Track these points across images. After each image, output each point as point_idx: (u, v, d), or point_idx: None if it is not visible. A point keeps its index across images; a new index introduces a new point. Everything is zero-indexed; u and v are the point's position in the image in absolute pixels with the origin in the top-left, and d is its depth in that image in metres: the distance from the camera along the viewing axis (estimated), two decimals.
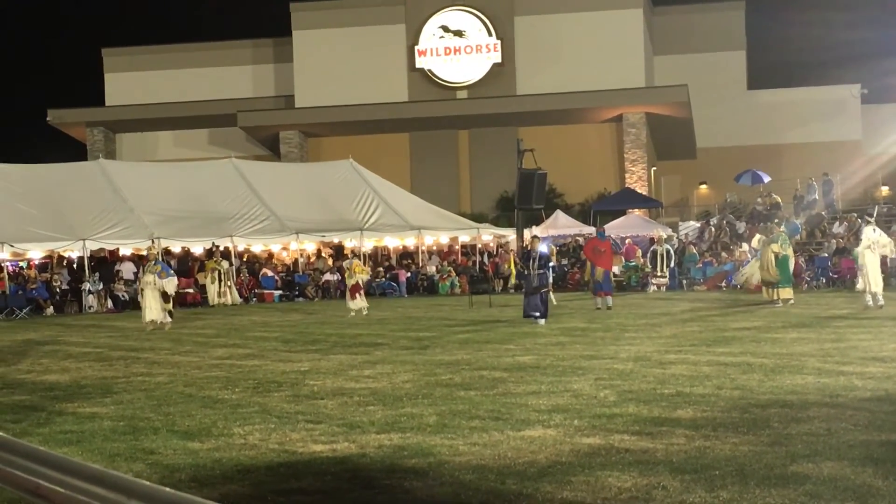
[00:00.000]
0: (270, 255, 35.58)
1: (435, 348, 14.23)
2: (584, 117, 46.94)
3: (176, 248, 32.60)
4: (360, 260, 25.52)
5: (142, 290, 21.37)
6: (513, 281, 30.60)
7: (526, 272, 18.69)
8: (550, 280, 20.21)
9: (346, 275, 24.23)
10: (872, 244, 19.57)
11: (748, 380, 9.84)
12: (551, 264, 21.28)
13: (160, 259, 23.26)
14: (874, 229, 20.21)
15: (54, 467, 3.15)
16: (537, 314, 18.19)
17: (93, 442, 7.77)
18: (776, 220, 26.54)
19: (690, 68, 49.82)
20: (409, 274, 34.32)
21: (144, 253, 31.89)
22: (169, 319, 20.43)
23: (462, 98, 48.27)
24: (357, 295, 23.10)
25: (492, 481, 6.06)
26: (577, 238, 35.99)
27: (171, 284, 20.58)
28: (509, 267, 30.80)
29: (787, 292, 21.25)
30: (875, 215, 22.59)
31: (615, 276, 27.54)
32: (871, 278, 19.32)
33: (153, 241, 24.11)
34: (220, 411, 9.06)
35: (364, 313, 22.67)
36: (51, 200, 30.89)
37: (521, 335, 15.92)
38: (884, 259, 27.89)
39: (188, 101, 51.66)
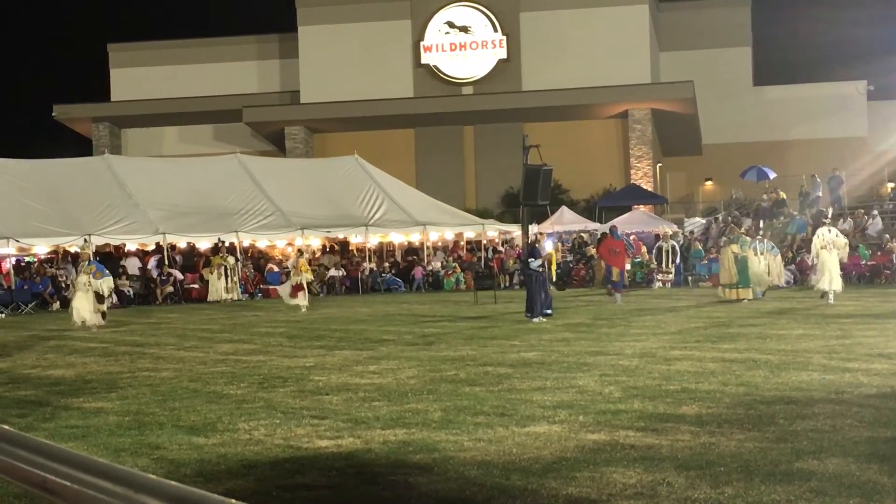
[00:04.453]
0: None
1: (440, 344, 14.23)
2: (590, 113, 46.90)
3: (182, 244, 32.68)
4: (305, 260, 25.87)
5: (74, 290, 20.64)
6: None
7: (543, 269, 18.64)
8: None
9: (291, 273, 24.62)
10: (828, 244, 20.67)
11: (753, 376, 9.82)
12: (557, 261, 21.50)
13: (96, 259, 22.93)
14: (829, 230, 21.40)
15: (62, 461, 3.15)
16: (550, 311, 18.38)
17: (98, 437, 7.77)
18: (781, 218, 26.71)
19: (696, 64, 49.75)
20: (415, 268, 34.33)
21: (152, 248, 32.11)
22: (102, 321, 19.78)
23: (467, 94, 48.23)
24: (299, 293, 23.66)
25: (496, 477, 6.06)
26: (583, 234, 35.97)
27: (106, 284, 20.11)
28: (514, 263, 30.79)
29: (745, 292, 21.70)
30: (830, 217, 23.43)
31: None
32: (829, 276, 20.34)
33: (85, 241, 23.84)
34: (225, 406, 9.07)
35: (302, 311, 23.03)
36: (56, 196, 30.96)
37: (525, 331, 15.93)
38: (888, 258, 28.01)
39: (193, 97, 51.68)
